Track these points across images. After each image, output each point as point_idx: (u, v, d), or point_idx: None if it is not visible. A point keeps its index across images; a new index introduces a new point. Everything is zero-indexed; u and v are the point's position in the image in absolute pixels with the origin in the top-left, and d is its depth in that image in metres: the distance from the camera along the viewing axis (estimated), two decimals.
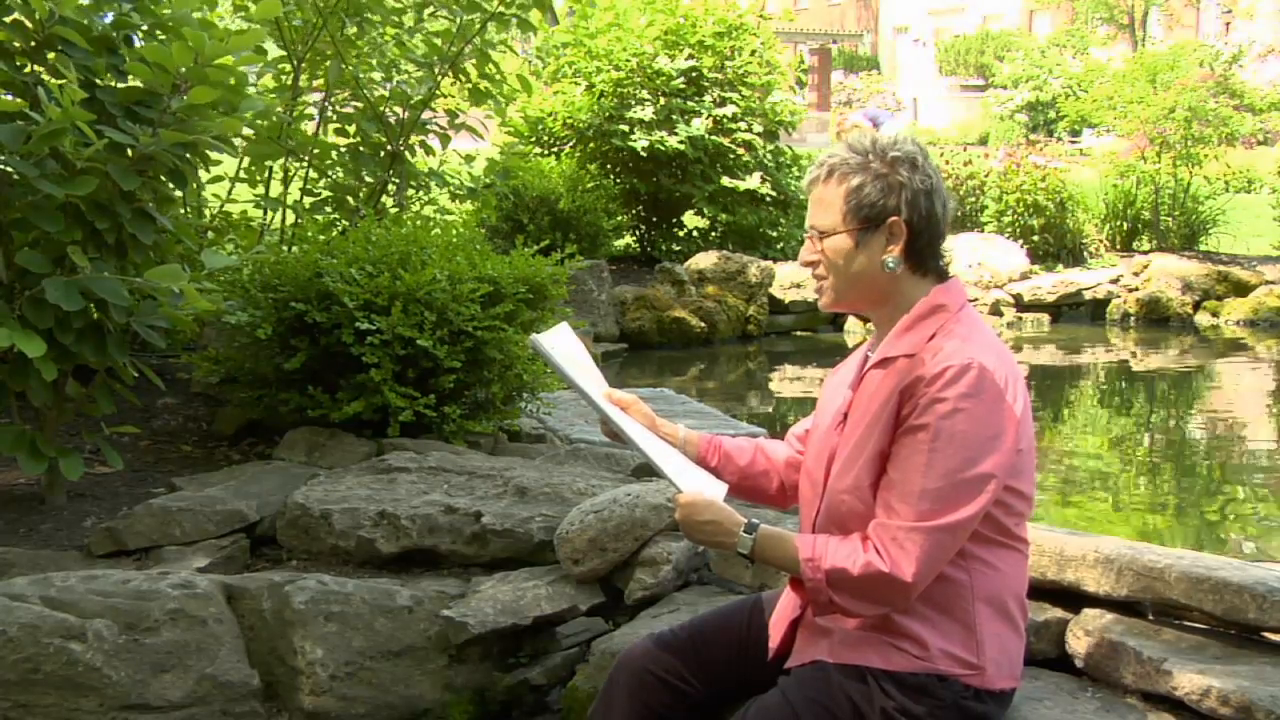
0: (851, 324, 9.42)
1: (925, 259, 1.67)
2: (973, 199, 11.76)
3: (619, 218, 9.79)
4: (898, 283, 1.67)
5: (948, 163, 12.20)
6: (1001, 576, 1.62)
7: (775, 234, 10.67)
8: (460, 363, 3.48)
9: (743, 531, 1.67)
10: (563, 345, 1.82)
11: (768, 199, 10.39)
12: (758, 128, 10.29)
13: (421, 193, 5.01)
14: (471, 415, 3.74)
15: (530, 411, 4.12)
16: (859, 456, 1.62)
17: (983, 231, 11.40)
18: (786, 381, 8.18)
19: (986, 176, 11.83)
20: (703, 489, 1.74)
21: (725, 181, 10.01)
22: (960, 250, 10.36)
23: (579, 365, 1.82)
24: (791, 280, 9.48)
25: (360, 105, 4.69)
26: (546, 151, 10.26)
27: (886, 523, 1.56)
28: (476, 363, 3.63)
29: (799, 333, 9.58)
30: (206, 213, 4.58)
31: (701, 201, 10.11)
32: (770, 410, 7.02)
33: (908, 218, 1.63)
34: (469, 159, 5.33)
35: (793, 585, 1.75)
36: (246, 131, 4.03)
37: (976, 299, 10.16)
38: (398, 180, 4.71)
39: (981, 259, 10.52)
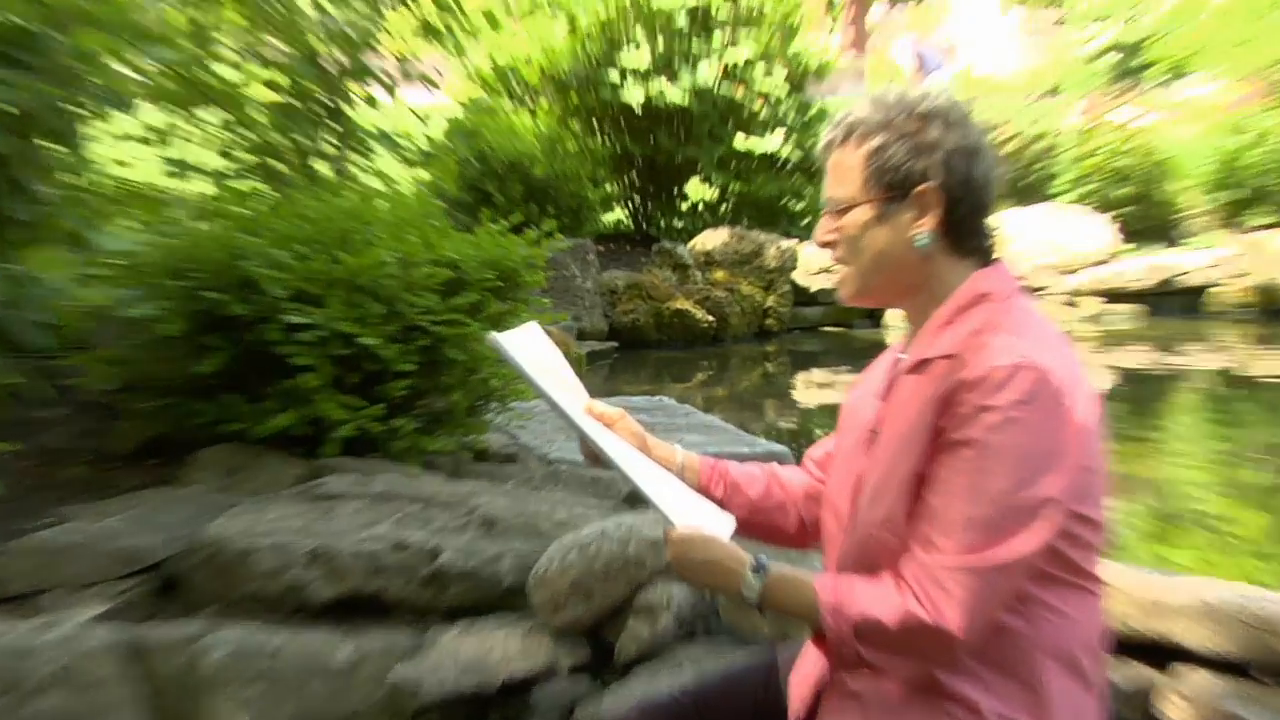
0: (892, 317, 9.45)
1: (965, 236, 1.68)
2: (1043, 164, 11.80)
3: (608, 187, 9.85)
4: (932, 266, 1.69)
5: (1009, 121, 12.23)
6: (1070, 624, 1.63)
7: (800, 207, 10.72)
8: (414, 365, 3.51)
9: (749, 572, 1.69)
10: (530, 347, 1.84)
11: (790, 164, 10.43)
12: (779, 76, 10.34)
13: (366, 157, 5.03)
14: (428, 430, 3.77)
15: (500, 425, 4.14)
16: (891, 481, 1.63)
17: (1056, 203, 11.40)
18: (814, 389, 8.21)
19: (1059, 136, 11.86)
20: (701, 523, 1.76)
21: (739, 142, 10.06)
22: (1028, 226, 10.35)
23: (550, 372, 1.84)
24: (819, 264, 9.53)
25: (290, 48, 4.71)
26: (519, 106, 10.31)
27: (926, 560, 1.57)
28: (434, 365, 3.66)
29: (828, 328, 9.64)
30: (100, 182, 4.60)
31: (709, 167, 10.16)
32: (794, 425, 7.05)
33: (941, 183, 1.65)
34: (424, 117, 5.36)
35: (814, 639, 1.77)
36: (150, 81, 4.05)
37: (1046, 286, 10.18)
38: (337, 141, 4.74)
39: (1054, 237, 10.49)
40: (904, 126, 1.66)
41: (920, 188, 1.65)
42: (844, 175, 1.69)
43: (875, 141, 1.66)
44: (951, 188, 1.65)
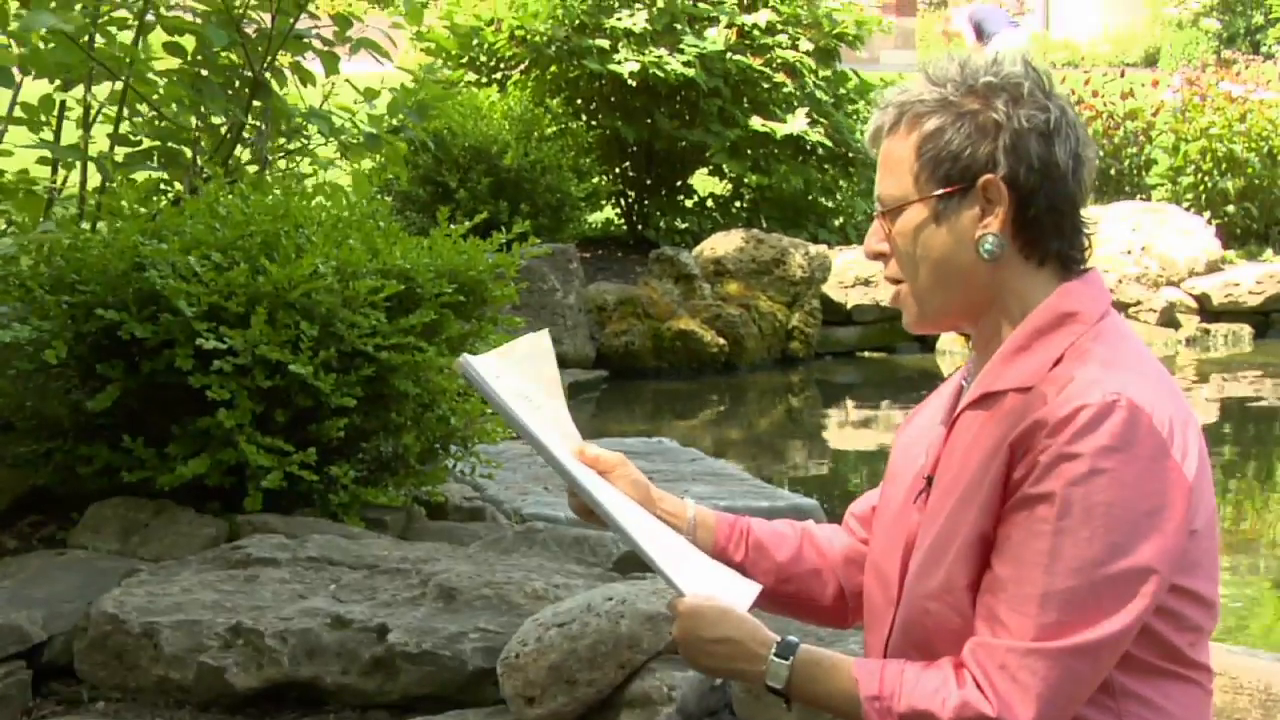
0: (947, 341, 9.48)
1: (1043, 239, 1.69)
2: (1134, 150, 11.83)
3: (594, 180, 9.85)
4: (1002, 278, 1.70)
5: (1096, 94, 12.27)
6: None
7: (832, 203, 10.73)
8: (355, 400, 3.52)
9: (773, 655, 1.69)
10: (512, 374, 1.85)
11: (820, 150, 10.45)
12: (805, 43, 10.40)
13: (296, 142, 5.05)
14: (373, 479, 3.78)
15: (462, 474, 4.17)
16: (950, 543, 1.65)
17: (1149, 199, 11.43)
18: (850, 429, 8.22)
19: (1155, 115, 11.89)
20: (716, 592, 1.77)
21: (756, 124, 10.09)
22: (1111, 227, 10.35)
23: (538, 407, 1.85)
24: (856, 274, 9.54)
25: (201, 3, 4.71)
26: (485, 79, 10.35)
27: (993, 643, 1.57)
28: (380, 400, 3.66)
29: (867, 353, 9.63)
30: None
31: (720, 155, 10.18)
32: (825, 473, 7.06)
33: (1009, 174, 1.66)
34: (370, 94, 5.29)
35: None
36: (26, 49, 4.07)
37: (1138, 303, 10.18)
38: (259, 122, 4.76)
39: (1147, 241, 10.53)
40: (963, 104, 1.67)
41: (984, 179, 1.66)
42: (895, 169, 1.71)
43: (930, 124, 1.68)
44: (1021, 178, 1.66)
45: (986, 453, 1.63)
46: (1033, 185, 1.66)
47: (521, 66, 10.31)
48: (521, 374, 1.87)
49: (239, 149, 4.84)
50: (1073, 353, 1.63)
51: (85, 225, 4.10)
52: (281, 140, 4.99)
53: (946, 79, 1.69)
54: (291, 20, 4.70)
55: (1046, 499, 1.55)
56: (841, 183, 10.79)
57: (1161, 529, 1.54)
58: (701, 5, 10.14)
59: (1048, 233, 1.68)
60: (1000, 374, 1.68)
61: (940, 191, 1.68)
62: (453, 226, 4.02)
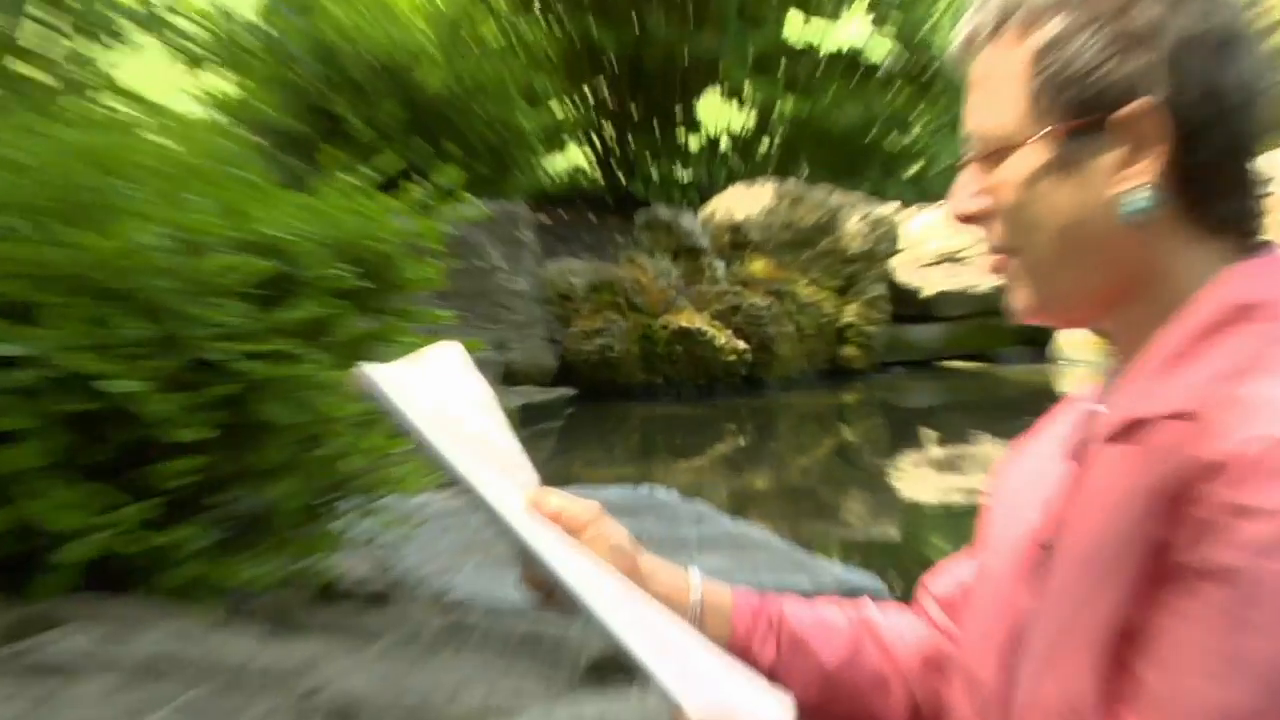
0: (1070, 343, 9.63)
1: (1216, 196, 1.70)
2: None
3: (556, 109, 9.87)
4: (1153, 252, 1.71)
5: None
6: None
7: (905, 142, 10.76)
8: (209, 432, 3.53)
9: None
10: (433, 390, 1.87)
11: (886, 69, 10.51)
12: None
13: (110, 49, 5.05)
14: (233, 547, 3.79)
15: (363, 538, 4.19)
16: (1077, 640, 1.64)
17: None
18: (930, 471, 8.28)
19: None
20: (734, 704, 1.76)
21: (792, 29, 10.13)
22: None
23: (470, 435, 1.87)
24: (939, 248, 9.79)
25: None
26: None
27: None
28: (243, 433, 3.69)
29: (954, 361, 9.84)
30: None
31: (738, 70, 10.22)
32: (894, 538, 7.11)
33: (1171, 100, 1.66)
34: None
35: None
36: None
37: None
38: (61, 25, 4.76)
39: None
40: (1099, 2, 1.68)
41: (1128, 108, 1.66)
42: (997, 93, 1.73)
43: (1052, 28, 1.69)
44: (1186, 108, 1.65)
45: (1131, 508, 1.62)
46: (1204, 118, 1.66)
47: None
48: (444, 390, 1.89)
49: (31, 63, 4.83)
50: (1256, 362, 1.63)
51: None
52: (93, 48, 4.99)
53: None
54: None
55: (1219, 575, 1.53)
56: (921, 114, 10.85)
57: None
58: None
59: (1222, 188, 1.69)
60: (1150, 392, 1.68)
61: (1068, 127, 1.69)
62: (347, 178, 4.03)
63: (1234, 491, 1.54)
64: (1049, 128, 1.69)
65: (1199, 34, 1.66)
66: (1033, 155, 1.70)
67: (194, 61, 4.99)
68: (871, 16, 10.36)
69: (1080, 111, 1.68)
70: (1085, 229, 1.71)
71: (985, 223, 1.75)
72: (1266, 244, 1.73)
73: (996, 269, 1.77)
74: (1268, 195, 1.74)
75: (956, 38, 1.78)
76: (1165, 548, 1.58)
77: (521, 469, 1.92)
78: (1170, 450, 1.61)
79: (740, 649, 1.95)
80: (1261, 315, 1.67)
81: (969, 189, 1.75)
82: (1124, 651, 1.61)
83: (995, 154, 1.73)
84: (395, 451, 3.95)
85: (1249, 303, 1.68)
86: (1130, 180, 1.67)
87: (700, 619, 1.94)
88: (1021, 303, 1.76)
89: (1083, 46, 1.67)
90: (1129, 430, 1.68)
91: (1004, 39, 1.72)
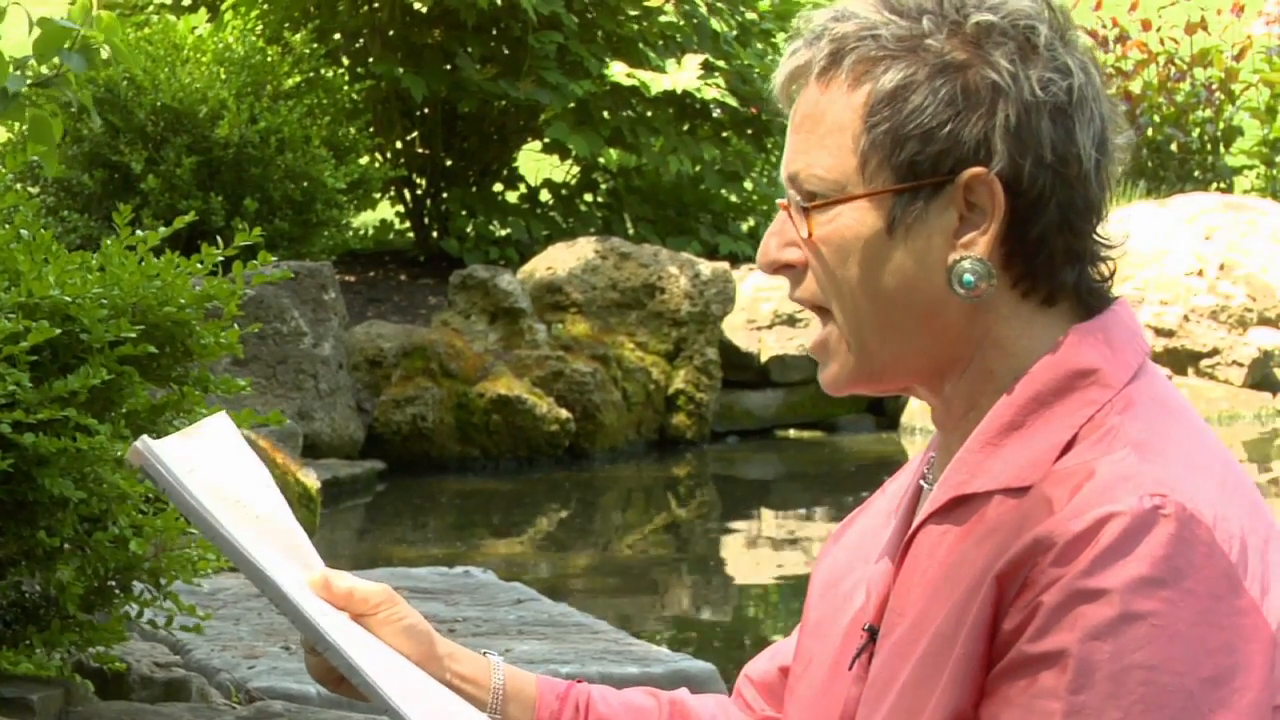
0: (918, 413, 9.66)
1: (1052, 268, 1.69)
2: (1206, 113, 12.05)
3: (363, 160, 9.87)
4: (986, 322, 1.69)
5: (1147, 27, 12.52)
6: None
7: (738, 196, 10.84)
8: None
9: None
10: (211, 465, 1.84)
11: (715, 111, 10.59)
12: None
13: None
14: (10, 636, 3.72)
15: (153, 625, 4.07)
16: None
17: (1229, 190, 11.70)
18: (766, 550, 8.35)
19: (1239, 59, 12.17)
20: None
21: (614, 73, 10.19)
22: (1171, 233, 10.54)
23: (254, 515, 1.84)
24: (776, 308, 9.82)
25: None
26: (188, 1, 10.36)
27: None
28: (21, 510, 3.62)
29: (792, 431, 9.86)
30: None
31: (560, 121, 10.27)
32: (725, 619, 7.15)
33: (1008, 169, 1.64)
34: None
35: None
36: None
37: (1213, 352, 10.45)
38: None
39: (1226, 256, 10.75)
40: (945, 51, 1.65)
41: (963, 176, 1.65)
42: (825, 141, 1.69)
43: (890, 78, 1.65)
44: (1026, 176, 1.65)
45: (962, 590, 1.61)
46: (1041, 189, 1.65)
47: None
48: (223, 465, 1.86)
49: None
50: (1091, 432, 1.63)
51: None
52: None
53: (920, 6, 1.67)
54: None
55: (1055, 661, 1.53)
56: (756, 164, 10.91)
57: (1231, 704, 1.54)
58: None
59: (1059, 259, 1.68)
60: (981, 466, 1.67)
61: (898, 187, 1.66)
62: (137, 234, 3.95)
63: (1070, 571, 1.54)
64: (878, 188, 1.66)
65: (1043, 100, 1.65)
66: (859, 213, 1.68)
67: None
68: (703, 65, 10.38)
69: (912, 174, 1.66)
70: (911, 295, 1.69)
71: (795, 275, 1.73)
72: (1113, 303, 1.73)
73: (814, 345, 1.75)
74: (1115, 259, 1.74)
75: (782, 67, 1.73)
76: (999, 633, 1.57)
77: (304, 549, 1.88)
78: (1004, 528, 1.61)
79: None
80: (1097, 382, 1.68)
81: (784, 236, 1.72)
82: None
83: (817, 206, 1.69)
84: (190, 531, 3.86)
85: (1084, 369, 1.68)
86: (965, 249, 1.66)
87: (503, 705, 1.92)
88: (836, 375, 1.75)
89: (920, 105, 1.65)
90: (959, 506, 1.67)
91: (836, 81, 1.69)
